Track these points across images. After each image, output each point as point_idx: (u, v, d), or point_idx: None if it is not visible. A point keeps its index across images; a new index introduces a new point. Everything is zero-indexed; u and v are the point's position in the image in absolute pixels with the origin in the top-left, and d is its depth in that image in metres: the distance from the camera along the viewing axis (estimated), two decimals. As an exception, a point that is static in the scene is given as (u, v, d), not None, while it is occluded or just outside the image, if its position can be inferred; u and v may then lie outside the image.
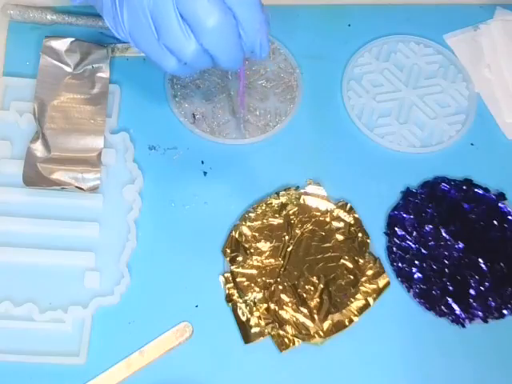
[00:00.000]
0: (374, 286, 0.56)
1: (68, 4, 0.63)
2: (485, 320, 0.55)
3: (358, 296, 0.55)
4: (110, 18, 0.51)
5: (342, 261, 0.56)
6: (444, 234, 0.58)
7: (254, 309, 0.54)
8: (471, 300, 0.55)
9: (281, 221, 0.58)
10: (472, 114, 0.64)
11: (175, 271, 0.55)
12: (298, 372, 0.53)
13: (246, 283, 0.55)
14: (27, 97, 0.60)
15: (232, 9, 0.47)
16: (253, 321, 0.54)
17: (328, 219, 0.58)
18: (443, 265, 0.57)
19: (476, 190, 0.60)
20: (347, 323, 0.54)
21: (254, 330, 0.53)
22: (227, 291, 0.55)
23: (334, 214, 0.58)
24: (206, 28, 0.47)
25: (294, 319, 0.54)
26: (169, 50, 0.49)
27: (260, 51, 0.50)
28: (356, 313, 0.54)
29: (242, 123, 0.61)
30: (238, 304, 0.54)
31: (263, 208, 0.58)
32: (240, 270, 0.55)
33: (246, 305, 0.54)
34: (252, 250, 0.56)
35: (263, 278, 0.55)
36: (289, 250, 0.57)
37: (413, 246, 0.57)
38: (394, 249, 0.57)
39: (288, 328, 0.53)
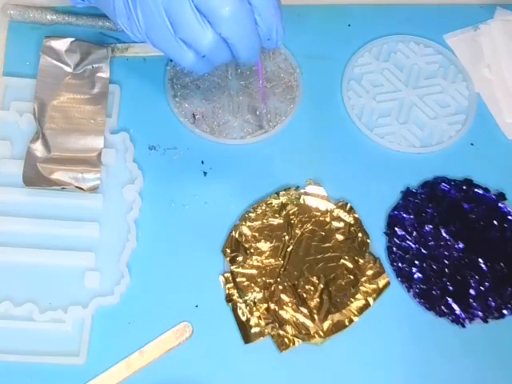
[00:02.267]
0: (374, 286, 0.56)
1: (68, 4, 0.63)
2: (485, 320, 0.55)
3: (358, 296, 0.55)
4: (124, 20, 0.51)
5: (342, 261, 0.56)
6: (444, 234, 0.58)
7: (254, 309, 0.54)
8: (471, 300, 0.55)
9: (281, 221, 0.58)
10: (472, 114, 0.64)
11: (175, 271, 0.55)
12: (298, 372, 0.53)
13: (246, 283, 0.55)
14: (27, 97, 0.60)
15: None
16: (253, 321, 0.54)
17: (328, 219, 0.58)
18: (443, 265, 0.57)
19: (476, 190, 0.60)
20: (347, 323, 0.54)
21: (254, 330, 0.53)
22: (227, 291, 0.55)
23: (334, 214, 0.58)
24: (223, 16, 0.47)
25: (294, 319, 0.54)
26: (186, 44, 0.49)
27: (276, 37, 0.51)
28: (356, 313, 0.54)
29: (264, 119, 0.61)
30: (238, 304, 0.54)
31: (263, 208, 0.58)
32: (240, 270, 0.55)
33: (246, 305, 0.54)
34: (252, 250, 0.56)
35: (263, 278, 0.55)
36: (289, 250, 0.57)
37: (413, 245, 0.57)
38: (394, 249, 0.57)
39: (288, 328, 0.53)
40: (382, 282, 0.56)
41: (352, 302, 0.55)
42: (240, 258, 0.56)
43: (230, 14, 0.47)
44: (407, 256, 0.57)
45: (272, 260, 0.56)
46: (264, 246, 0.57)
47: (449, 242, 0.58)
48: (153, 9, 0.48)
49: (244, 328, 0.53)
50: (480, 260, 0.57)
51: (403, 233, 0.58)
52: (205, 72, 0.52)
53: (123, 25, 0.51)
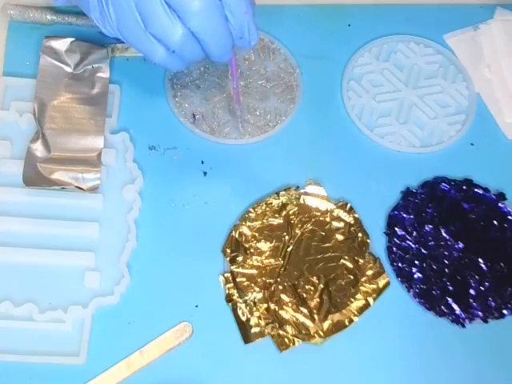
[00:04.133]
0: (374, 286, 0.56)
1: (68, 4, 0.63)
2: (485, 320, 0.55)
3: (358, 296, 0.55)
4: (97, 15, 0.51)
5: (342, 261, 0.56)
6: (444, 234, 0.58)
7: (254, 309, 0.54)
8: (471, 300, 0.55)
9: (281, 221, 0.58)
10: (472, 114, 0.64)
11: (175, 271, 0.55)
12: (298, 372, 0.53)
13: (245, 283, 0.55)
14: (27, 97, 0.60)
15: None
16: (253, 321, 0.54)
17: (328, 219, 0.58)
18: (443, 265, 0.57)
19: (476, 190, 0.60)
20: (347, 323, 0.54)
21: (254, 330, 0.53)
22: (227, 291, 0.55)
23: (334, 214, 0.58)
24: (192, 11, 0.47)
25: (294, 319, 0.54)
26: (156, 39, 0.49)
27: (249, 36, 0.50)
28: (356, 313, 0.54)
29: (239, 122, 0.61)
30: (238, 304, 0.54)
31: (263, 208, 0.58)
32: (240, 270, 0.55)
33: (246, 305, 0.54)
34: (252, 250, 0.56)
35: (263, 278, 0.55)
36: (289, 250, 0.57)
37: (413, 245, 0.57)
38: (394, 249, 0.57)
39: (288, 328, 0.53)
40: (382, 282, 0.56)
41: (352, 302, 0.55)
42: (240, 258, 0.56)
43: (198, 8, 0.47)
44: (407, 256, 0.57)
45: (272, 260, 0.56)
46: (264, 245, 0.57)
47: (449, 242, 0.58)
48: (123, 3, 0.48)
49: (244, 328, 0.53)
50: (480, 260, 0.57)
51: (403, 233, 0.58)
52: (177, 69, 0.52)
53: (96, 20, 0.52)
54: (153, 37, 0.49)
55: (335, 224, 0.58)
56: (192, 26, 0.48)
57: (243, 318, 0.54)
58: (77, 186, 0.56)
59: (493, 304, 0.55)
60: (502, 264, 0.57)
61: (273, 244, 0.57)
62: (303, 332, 0.53)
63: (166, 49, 0.49)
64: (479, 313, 0.55)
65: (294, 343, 0.53)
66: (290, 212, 0.58)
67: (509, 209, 0.59)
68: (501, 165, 0.62)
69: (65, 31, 0.64)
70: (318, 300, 0.55)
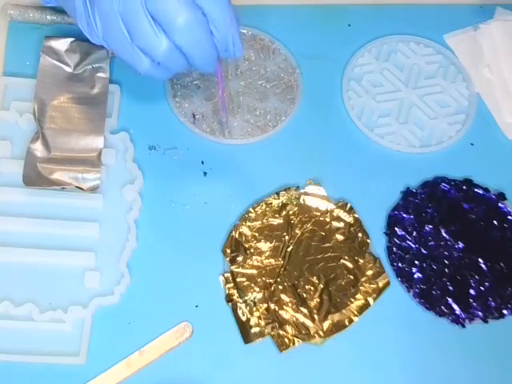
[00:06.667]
0: (374, 286, 0.56)
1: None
2: (485, 320, 0.55)
3: (358, 296, 0.55)
4: (83, 24, 0.52)
5: (342, 261, 0.56)
6: (444, 234, 0.58)
7: (254, 309, 0.54)
8: (471, 300, 0.55)
9: (281, 221, 0.58)
10: (472, 114, 0.64)
11: (175, 271, 0.55)
12: (298, 372, 0.53)
13: (246, 283, 0.55)
14: (27, 97, 0.60)
15: (201, 6, 0.48)
16: (253, 321, 0.54)
17: (328, 219, 0.58)
18: (443, 265, 0.57)
19: (476, 190, 0.60)
20: (347, 323, 0.54)
21: (254, 329, 0.53)
22: (227, 291, 0.55)
23: (334, 214, 0.58)
24: (177, 26, 0.47)
25: (294, 319, 0.54)
26: (142, 51, 0.49)
27: (233, 49, 0.51)
28: (356, 313, 0.54)
29: (225, 128, 0.61)
30: (238, 304, 0.54)
31: (263, 208, 0.58)
32: (240, 270, 0.55)
33: (246, 305, 0.54)
34: (252, 250, 0.56)
35: (263, 278, 0.55)
36: (289, 250, 0.57)
37: (413, 246, 0.57)
38: (394, 249, 0.57)
39: (288, 328, 0.53)
40: (382, 282, 0.56)
41: (352, 302, 0.55)
42: (240, 258, 0.56)
43: (183, 23, 0.47)
44: (407, 256, 0.57)
45: (272, 260, 0.56)
46: (264, 245, 0.57)
47: (449, 242, 0.58)
48: (110, 15, 0.49)
49: (244, 328, 0.53)
50: (480, 260, 0.57)
51: (403, 233, 0.58)
52: (163, 78, 0.53)
53: (83, 28, 0.52)
54: (138, 49, 0.49)
55: (335, 224, 0.58)
56: (177, 39, 0.48)
57: (243, 318, 0.54)
58: (77, 186, 0.56)
59: (493, 304, 0.55)
60: (501, 264, 0.57)
61: (273, 244, 0.57)
62: (303, 332, 0.53)
63: (152, 60, 0.50)
64: (479, 313, 0.55)
65: (293, 343, 0.53)
66: (290, 212, 0.58)
67: (509, 209, 0.59)
68: (501, 165, 0.62)
69: (65, 31, 0.64)
70: (318, 300, 0.55)
